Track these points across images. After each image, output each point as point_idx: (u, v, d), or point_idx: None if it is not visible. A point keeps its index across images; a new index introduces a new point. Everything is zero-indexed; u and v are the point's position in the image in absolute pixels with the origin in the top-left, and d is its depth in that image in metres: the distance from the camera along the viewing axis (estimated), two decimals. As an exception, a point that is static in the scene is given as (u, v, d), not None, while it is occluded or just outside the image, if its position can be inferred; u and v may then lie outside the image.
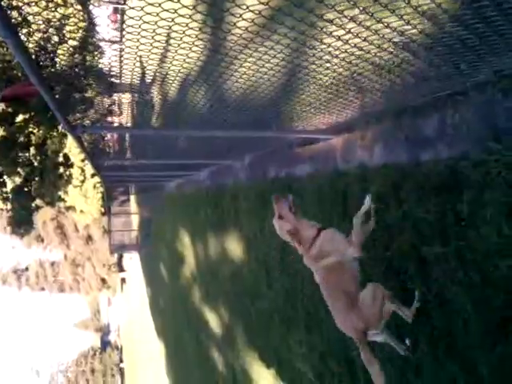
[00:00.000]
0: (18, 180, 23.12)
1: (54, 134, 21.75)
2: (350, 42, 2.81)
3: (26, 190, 23.79)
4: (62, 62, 4.37)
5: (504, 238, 3.02)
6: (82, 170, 29.52)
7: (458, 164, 3.40)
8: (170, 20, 2.60)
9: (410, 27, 2.57)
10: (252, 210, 8.30)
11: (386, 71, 3.43)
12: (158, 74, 4.59)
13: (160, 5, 2.36)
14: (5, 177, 22.14)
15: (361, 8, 2.37)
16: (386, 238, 4.31)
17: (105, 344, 76.16)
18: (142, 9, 2.43)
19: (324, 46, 2.97)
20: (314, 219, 5.75)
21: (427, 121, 3.84)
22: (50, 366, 78.31)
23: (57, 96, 4.16)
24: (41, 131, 21.85)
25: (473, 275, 3.32)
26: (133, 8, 2.48)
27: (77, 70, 4.64)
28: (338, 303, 3.65)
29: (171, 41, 3.19)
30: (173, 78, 4.56)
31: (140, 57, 3.71)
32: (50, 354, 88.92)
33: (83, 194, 32.55)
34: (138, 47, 3.17)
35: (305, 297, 6.29)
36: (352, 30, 2.65)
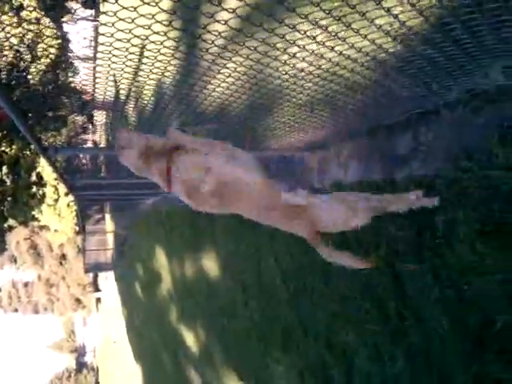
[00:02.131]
0: (-11, 200, 22.71)
1: (27, 152, 21.47)
2: (321, 63, 2.83)
3: (-2, 210, 23.36)
4: (35, 80, 4.32)
5: (477, 255, 3.04)
6: (56, 189, 29.08)
7: (432, 182, 3.43)
8: (144, 37, 2.57)
9: (381, 51, 2.60)
10: (228, 229, 8.27)
11: (358, 91, 3.46)
12: (131, 91, 4.55)
13: (133, 20, 2.32)
14: (-24, 197, 21.73)
15: (333, 33, 2.38)
16: (362, 255, 4.31)
17: (80, 365, 74.78)
18: (113, 24, 2.37)
19: (298, 66, 2.98)
20: (290, 236, 5.77)
21: (401, 139, 3.87)
22: (23, 389, 76.74)
23: (29, 115, 4.11)
24: (13, 150, 21.54)
25: (448, 292, 3.34)
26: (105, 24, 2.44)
27: (50, 87, 4.59)
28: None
29: (145, 59, 3.17)
30: (146, 96, 4.54)
31: (114, 75, 3.68)
32: (23, 376, 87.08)
33: (57, 212, 32.06)
34: (109, 65, 3.14)
35: (281, 314, 6.26)
36: (324, 51, 2.67)
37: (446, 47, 2.55)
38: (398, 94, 3.46)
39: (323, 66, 2.89)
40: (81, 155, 8.88)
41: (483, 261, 3.02)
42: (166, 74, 3.49)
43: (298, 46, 2.54)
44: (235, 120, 4.97)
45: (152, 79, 3.59)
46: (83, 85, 4.85)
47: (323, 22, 2.34)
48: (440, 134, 3.42)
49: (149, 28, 2.32)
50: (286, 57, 2.77)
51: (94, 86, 4.47)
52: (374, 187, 4.13)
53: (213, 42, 2.58)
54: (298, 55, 2.73)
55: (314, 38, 2.39)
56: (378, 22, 2.27)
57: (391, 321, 3.96)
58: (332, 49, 2.60)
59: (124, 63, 3.12)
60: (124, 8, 2.10)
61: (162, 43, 2.59)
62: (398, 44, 2.57)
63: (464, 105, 3.14)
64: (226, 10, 2.14)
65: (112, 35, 2.49)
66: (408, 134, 3.76)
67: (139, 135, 2.71)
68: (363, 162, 4.41)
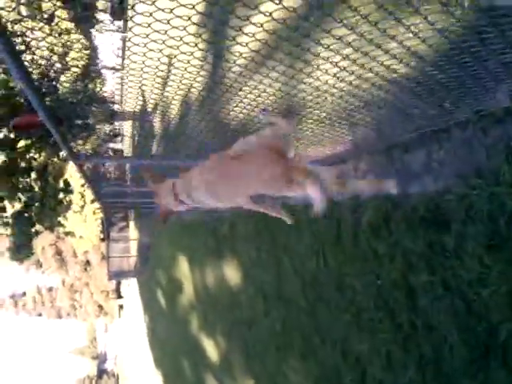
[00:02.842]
0: (18, 205, 23.26)
1: (56, 160, 22.00)
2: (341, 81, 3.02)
3: (26, 215, 23.93)
4: (64, 89, 4.54)
5: (485, 267, 3.19)
6: (82, 196, 29.67)
7: (443, 197, 3.59)
8: (176, 47, 2.72)
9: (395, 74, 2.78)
10: (249, 238, 8.45)
11: (375, 108, 3.64)
12: (158, 103, 4.75)
13: (166, 33, 2.49)
14: (5, 202, 22.31)
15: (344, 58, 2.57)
16: (377, 268, 4.47)
17: (101, 372, 75.38)
18: (147, 36, 2.53)
19: (318, 83, 3.17)
20: (308, 247, 5.94)
21: (415, 155, 4.03)
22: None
23: (61, 124, 4.33)
24: (42, 157, 22.11)
25: (457, 303, 3.48)
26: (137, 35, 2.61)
27: (79, 97, 4.81)
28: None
29: (174, 71, 3.35)
30: (173, 108, 4.73)
31: (142, 85, 3.87)
32: (46, 379, 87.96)
33: (83, 219, 32.63)
34: (141, 76, 3.32)
35: (300, 323, 6.41)
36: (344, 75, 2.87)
37: (456, 72, 2.73)
38: (412, 113, 3.64)
39: (343, 87, 3.08)
40: (107, 164, 9.13)
41: (490, 273, 3.16)
42: (194, 85, 3.67)
43: (318, 68, 2.74)
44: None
45: (180, 91, 3.78)
46: (111, 94, 5.08)
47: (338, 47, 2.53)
48: (451, 151, 3.58)
49: (180, 39, 2.51)
50: (309, 70, 2.96)
51: (121, 96, 4.68)
52: (390, 201, 4.30)
53: (241, 54, 2.76)
54: (320, 73, 2.92)
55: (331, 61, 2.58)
56: (392, 51, 2.46)
57: (403, 330, 4.10)
58: (352, 73, 2.80)
59: (154, 73, 3.30)
60: (156, 20, 2.29)
61: (192, 54, 2.77)
62: (411, 68, 2.75)
63: (473, 124, 3.30)
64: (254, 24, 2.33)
65: (145, 45, 2.67)
66: (422, 150, 3.93)
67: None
68: (379, 176, 4.57)
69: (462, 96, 3.07)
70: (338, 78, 2.94)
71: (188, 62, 2.99)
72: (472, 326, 3.36)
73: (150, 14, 2.28)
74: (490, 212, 3.15)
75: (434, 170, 3.79)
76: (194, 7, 2.22)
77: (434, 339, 3.77)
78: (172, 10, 2.20)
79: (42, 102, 2.98)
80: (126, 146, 7.40)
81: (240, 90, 3.71)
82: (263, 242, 7.63)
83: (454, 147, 3.54)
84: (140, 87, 3.94)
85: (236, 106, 4.13)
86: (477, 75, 2.71)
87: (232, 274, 9.77)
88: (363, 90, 3.17)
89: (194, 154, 5.96)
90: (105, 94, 5.13)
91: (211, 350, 12.08)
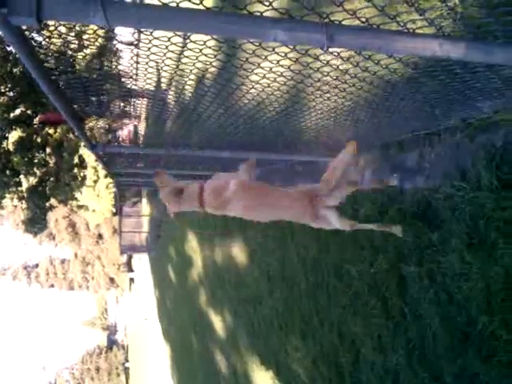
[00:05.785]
0: (33, 180, 23.68)
1: (71, 136, 22.34)
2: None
3: (40, 189, 24.36)
4: (81, 67, 4.73)
5: (465, 264, 3.48)
6: (96, 170, 30.05)
7: (432, 196, 3.87)
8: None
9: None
10: (256, 222, 8.73)
11: (375, 109, 3.91)
12: (171, 85, 4.89)
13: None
14: (21, 176, 22.73)
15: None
16: (372, 256, 4.78)
17: (111, 343, 76.76)
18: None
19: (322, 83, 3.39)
20: (312, 234, 6.25)
21: (409, 154, 4.31)
22: (56, 362, 79.23)
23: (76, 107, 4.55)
24: (57, 134, 22.50)
25: (441, 295, 3.78)
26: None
27: (95, 75, 4.99)
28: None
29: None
30: (187, 98, 4.91)
31: (156, 63, 3.97)
32: (56, 350, 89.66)
33: (96, 193, 33.05)
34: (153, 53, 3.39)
35: (301, 305, 6.76)
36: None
37: (447, 84, 2.97)
38: (408, 116, 3.90)
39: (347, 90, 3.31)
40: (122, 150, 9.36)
41: (470, 269, 3.46)
42: (206, 76, 3.85)
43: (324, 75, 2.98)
44: (266, 126, 5.40)
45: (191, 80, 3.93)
46: (126, 72, 5.20)
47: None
48: (441, 154, 3.86)
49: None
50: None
51: (136, 72, 4.84)
52: (385, 196, 4.59)
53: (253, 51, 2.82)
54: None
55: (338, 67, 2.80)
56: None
57: (393, 316, 4.43)
58: (355, 76, 3.01)
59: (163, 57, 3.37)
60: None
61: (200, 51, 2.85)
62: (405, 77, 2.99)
63: (461, 131, 3.57)
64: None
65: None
66: (415, 151, 4.20)
67: (171, 179, 3.90)
68: (376, 172, 4.86)
69: (451, 105, 3.33)
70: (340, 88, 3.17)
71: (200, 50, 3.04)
72: (453, 316, 3.66)
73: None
74: (472, 213, 3.43)
75: (426, 169, 4.07)
76: None
77: (419, 326, 4.08)
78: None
79: (66, 106, 3.24)
80: (140, 127, 7.55)
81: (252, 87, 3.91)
82: (269, 226, 7.93)
83: (444, 150, 3.82)
84: (155, 65, 4.04)
85: (249, 102, 4.35)
86: (466, 89, 2.96)
87: (239, 254, 10.12)
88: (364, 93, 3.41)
89: (206, 145, 6.15)
90: (120, 71, 5.21)
91: (218, 325, 12.51)
